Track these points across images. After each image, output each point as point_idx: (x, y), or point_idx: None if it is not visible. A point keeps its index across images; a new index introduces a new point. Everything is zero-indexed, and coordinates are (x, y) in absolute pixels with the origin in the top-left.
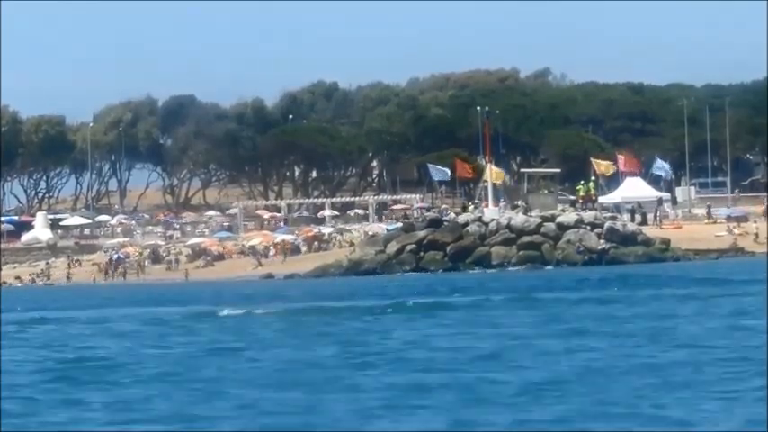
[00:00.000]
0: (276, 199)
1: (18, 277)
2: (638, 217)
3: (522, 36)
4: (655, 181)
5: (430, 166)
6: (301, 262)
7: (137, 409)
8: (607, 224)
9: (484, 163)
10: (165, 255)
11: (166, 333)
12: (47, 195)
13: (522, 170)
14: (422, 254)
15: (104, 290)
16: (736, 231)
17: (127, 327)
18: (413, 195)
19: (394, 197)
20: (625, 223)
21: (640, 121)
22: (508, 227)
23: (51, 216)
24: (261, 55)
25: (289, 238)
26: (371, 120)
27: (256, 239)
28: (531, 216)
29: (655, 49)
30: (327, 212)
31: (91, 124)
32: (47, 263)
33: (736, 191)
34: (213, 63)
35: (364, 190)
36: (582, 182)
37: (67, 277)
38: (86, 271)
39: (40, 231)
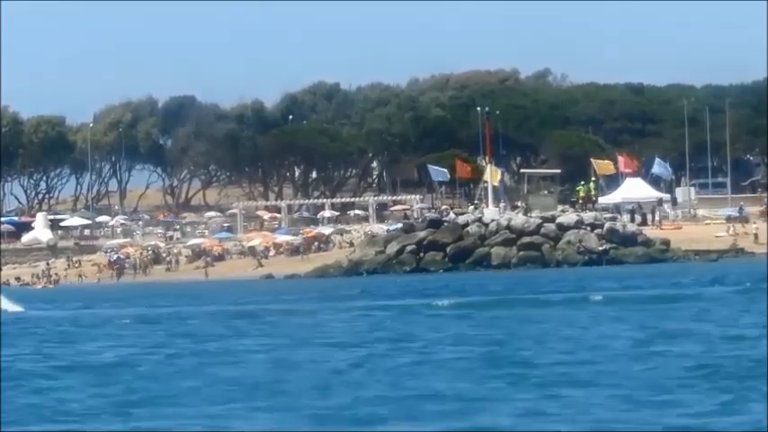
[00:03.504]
0: (276, 199)
1: (18, 278)
2: (638, 217)
3: (522, 36)
4: (655, 181)
5: (430, 166)
6: (301, 262)
7: None
8: (607, 225)
9: (484, 163)
10: (165, 255)
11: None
12: (47, 196)
13: (523, 170)
14: (422, 254)
15: (170, 288)
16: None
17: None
18: (413, 196)
19: (394, 198)
20: (625, 224)
21: (640, 122)
22: (508, 227)
23: (51, 217)
24: (261, 55)
25: (289, 238)
26: (371, 120)
27: (256, 240)
28: (531, 217)
29: (655, 49)
30: (327, 213)
31: (91, 125)
32: (47, 263)
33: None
34: (213, 63)
35: (364, 190)
36: (582, 182)
37: (80, 276)
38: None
39: (41, 232)
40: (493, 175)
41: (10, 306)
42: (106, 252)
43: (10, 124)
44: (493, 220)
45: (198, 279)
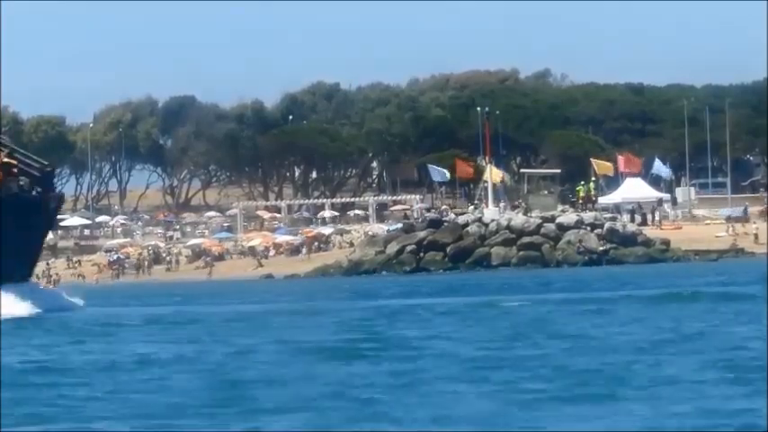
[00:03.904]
0: (276, 199)
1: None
2: (637, 217)
3: (522, 36)
4: (655, 181)
5: (430, 166)
6: (301, 262)
7: None
8: (607, 225)
9: (484, 163)
10: (165, 255)
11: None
12: None
13: (523, 170)
14: (422, 254)
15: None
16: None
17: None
18: (413, 196)
19: (394, 198)
20: (625, 224)
21: (640, 122)
22: (508, 227)
23: None
24: (261, 55)
25: (289, 238)
26: (371, 120)
27: (256, 240)
28: (531, 216)
29: (655, 49)
30: (327, 213)
31: (91, 124)
32: (47, 263)
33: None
34: (213, 63)
35: (364, 190)
36: (582, 182)
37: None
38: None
39: None
40: (494, 175)
41: (74, 299)
42: (106, 252)
43: (10, 124)
44: (493, 220)
45: (200, 279)
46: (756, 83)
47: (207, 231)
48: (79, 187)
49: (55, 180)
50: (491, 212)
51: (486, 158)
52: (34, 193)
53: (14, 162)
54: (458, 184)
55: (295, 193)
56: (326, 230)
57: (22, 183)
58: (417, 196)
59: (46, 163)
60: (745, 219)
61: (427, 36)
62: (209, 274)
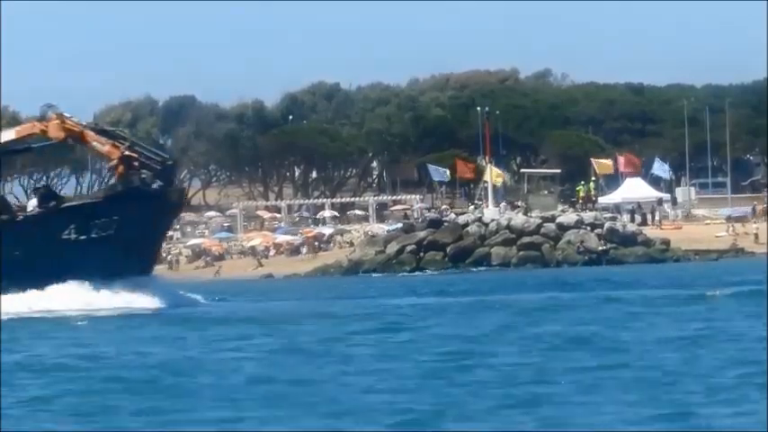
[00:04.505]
0: (276, 199)
1: None
2: (637, 217)
3: (522, 36)
4: (655, 181)
5: (430, 166)
6: (301, 262)
7: None
8: (607, 225)
9: (484, 163)
10: (165, 255)
11: None
12: None
13: (523, 170)
14: (422, 254)
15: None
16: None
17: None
18: (413, 196)
19: (394, 197)
20: (625, 224)
21: (640, 122)
22: (508, 227)
23: None
24: (261, 55)
25: (289, 238)
26: (371, 120)
27: (256, 240)
28: (531, 216)
29: (655, 49)
30: (327, 213)
31: None
32: None
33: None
34: (213, 63)
35: (364, 190)
36: (582, 182)
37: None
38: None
39: None
40: (496, 176)
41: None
42: None
43: (10, 124)
44: (493, 220)
45: (206, 278)
46: (756, 83)
47: (207, 231)
48: (79, 187)
49: (176, 173)
50: (491, 212)
51: (486, 158)
52: (155, 186)
53: (135, 155)
54: (458, 184)
55: (295, 193)
56: (326, 230)
57: (143, 176)
58: (417, 196)
59: (167, 156)
60: (751, 217)
61: (427, 36)
62: (216, 274)
